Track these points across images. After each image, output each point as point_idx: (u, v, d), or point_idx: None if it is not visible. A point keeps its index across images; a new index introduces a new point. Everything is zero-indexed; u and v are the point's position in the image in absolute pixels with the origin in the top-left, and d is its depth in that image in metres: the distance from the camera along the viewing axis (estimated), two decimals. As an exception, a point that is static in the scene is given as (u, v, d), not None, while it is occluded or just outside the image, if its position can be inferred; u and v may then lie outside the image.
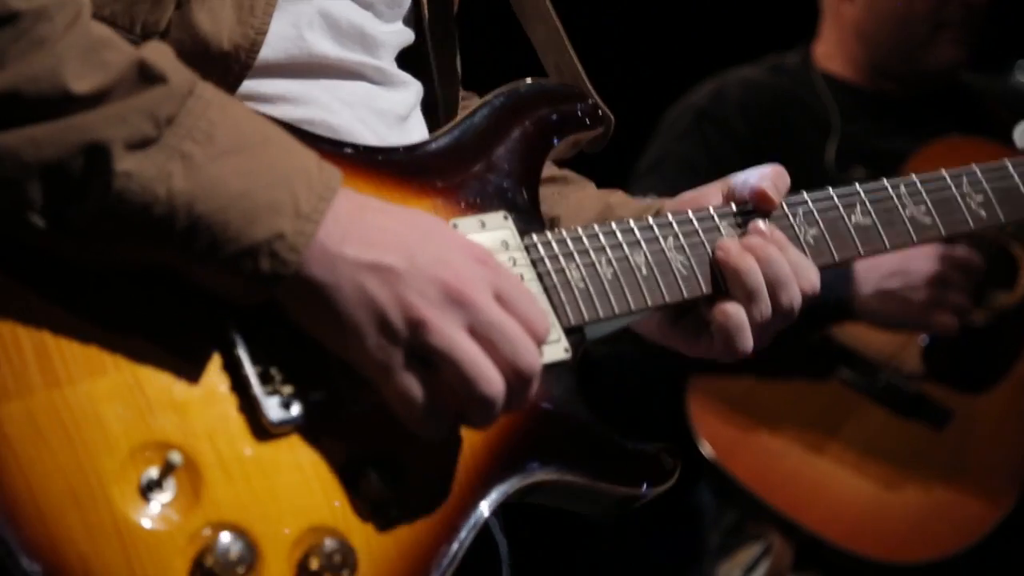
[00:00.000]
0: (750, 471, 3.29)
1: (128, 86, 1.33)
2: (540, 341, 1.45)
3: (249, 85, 1.54)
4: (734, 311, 1.68)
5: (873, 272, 3.21)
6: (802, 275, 1.71)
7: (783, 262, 1.69)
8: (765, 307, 1.68)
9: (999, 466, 3.27)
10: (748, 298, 1.68)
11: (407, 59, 1.73)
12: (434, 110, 1.77)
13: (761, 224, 1.72)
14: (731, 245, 1.69)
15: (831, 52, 3.71)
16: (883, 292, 3.23)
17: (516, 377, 1.43)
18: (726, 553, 3.43)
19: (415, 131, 1.72)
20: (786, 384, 3.33)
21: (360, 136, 1.62)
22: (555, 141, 1.70)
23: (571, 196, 1.87)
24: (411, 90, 1.73)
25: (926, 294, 3.20)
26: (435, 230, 1.45)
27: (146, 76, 1.34)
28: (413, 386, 1.40)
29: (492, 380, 1.41)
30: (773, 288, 1.68)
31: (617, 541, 4.45)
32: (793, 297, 1.69)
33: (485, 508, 1.50)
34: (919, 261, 3.22)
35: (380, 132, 1.65)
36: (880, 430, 3.28)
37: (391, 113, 1.68)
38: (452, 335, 1.40)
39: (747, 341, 1.68)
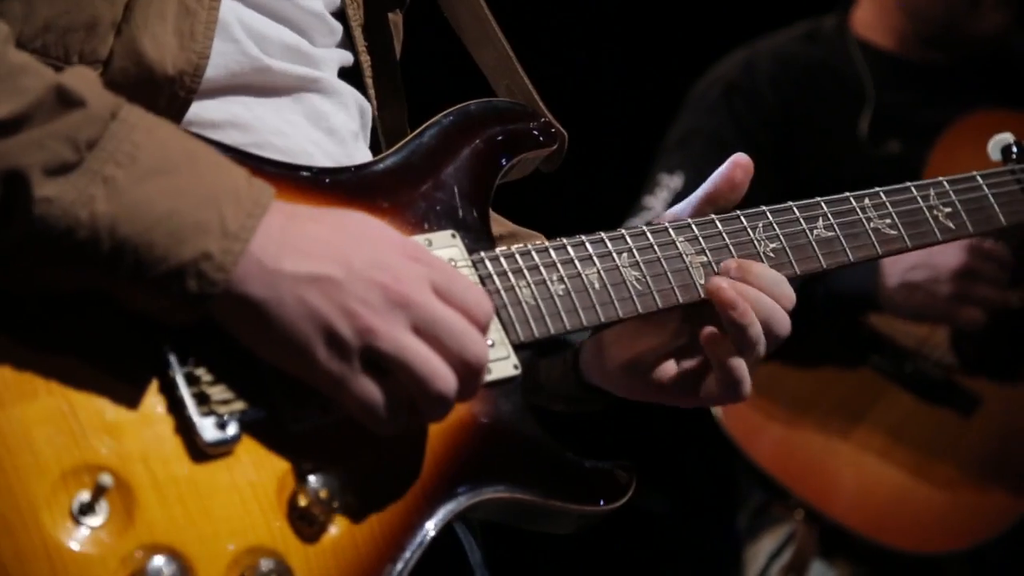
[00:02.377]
0: (773, 458, 3.25)
1: (46, 111, 1.33)
2: (483, 325, 1.46)
3: (197, 110, 1.54)
4: (738, 363, 1.67)
5: (898, 264, 3.14)
6: (781, 296, 1.69)
7: (765, 299, 1.68)
8: (760, 351, 1.68)
9: (1022, 456, 3.20)
10: (748, 347, 1.66)
11: (348, 79, 1.73)
12: (374, 132, 1.76)
13: (731, 262, 1.70)
14: (720, 287, 1.66)
15: (871, 21, 3.61)
16: (908, 284, 3.16)
17: (466, 368, 1.43)
18: (752, 536, 3.40)
19: (365, 151, 1.72)
20: (812, 369, 3.28)
21: (311, 157, 1.62)
22: (506, 160, 1.68)
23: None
24: (358, 105, 1.73)
25: (951, 287, 3.13)
26: (367, 232, 1.44)
27: (65, 101, 1.34)
28: (370, 392, 1.40)
29: (444, 376, 1.42)
30: (767, 326, 1.67)
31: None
32: (782, 326, 1.69)
33: (431, 527, 1.49)
34: (945, 254, 3.14)
35: (331, 151, 1.65)
36: (906, 417, 3.22)
37: (343, 129, 1.68)
38: (400, 338, 1.40)
39: (748, 387, 1.69)
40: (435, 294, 1.44)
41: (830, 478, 3.21)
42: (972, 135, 3.13)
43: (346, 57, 1.74)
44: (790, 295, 1.71)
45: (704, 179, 1.77)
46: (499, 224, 1.88)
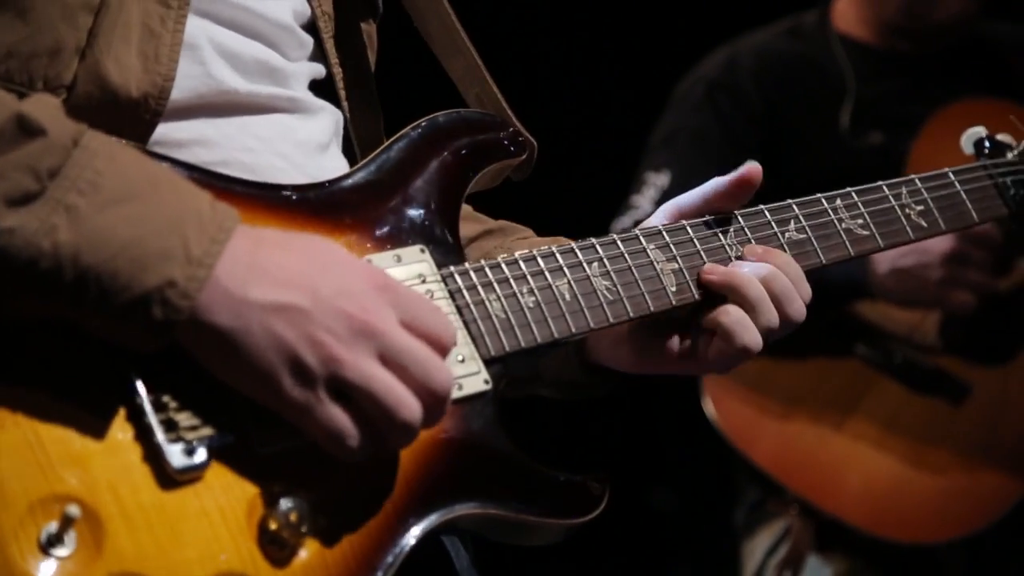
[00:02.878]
0: (767, 454, 3.25)
1: (7, 141, 1.33)
2: (447, 351, 1.46)
3: (163, 130, 1.54)
4: (734, 310, 1.69)
5: (889, 251, 3.14)
6: (801, 287, 1.73)
7: (783, 277, 1.71)
8: (771, 315, 1.70)
9: (1017, 440, 3.20)
10: (753, 308, 1.69)
11: (321, 91, 1.73)
12: (349, 144, 1.76)
13: (756, 246, 1.75)
14: (714, 267, 1.71)
15: (849, 14, 3.61)
16: (899, 271, 3.17)
17: (431, 397, 1.44)
18: (750, 532, 3.40)
19: (337, 159, 1.72)
20: (802, 363, 3.28)
21: (279, 173, 1.61)
22: (474, 171, 1.69)
23: (518, 245, 1.86)
24: (329, 117, 1.73)
25: (942, 272, 3.13)
26: (333, 259, 1.45)
27: (25, 130, 1.34)
28: (335, 421, 1.41)
29: (409, 406, 1.42)
30: (779, 303, 1.70)
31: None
32: (798, 309, 1.72)
33: (404, 545, 1.49)
34: (936, 239, 3.15)
35: (300, 164, 1.65)
36: (898, 408, 3.22)
37: (311, 143, 1.68)
38: (366, 368, 1.40)
39: (755, 337, 1.69)
40: (400, 322, 1.44)
41: (824, 472, 3.21)
42: (954, 125, 3.10)
43: (318, 70, 1.74)
44: (807, 291, 1.74)
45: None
46: (484, 222, 1.89)
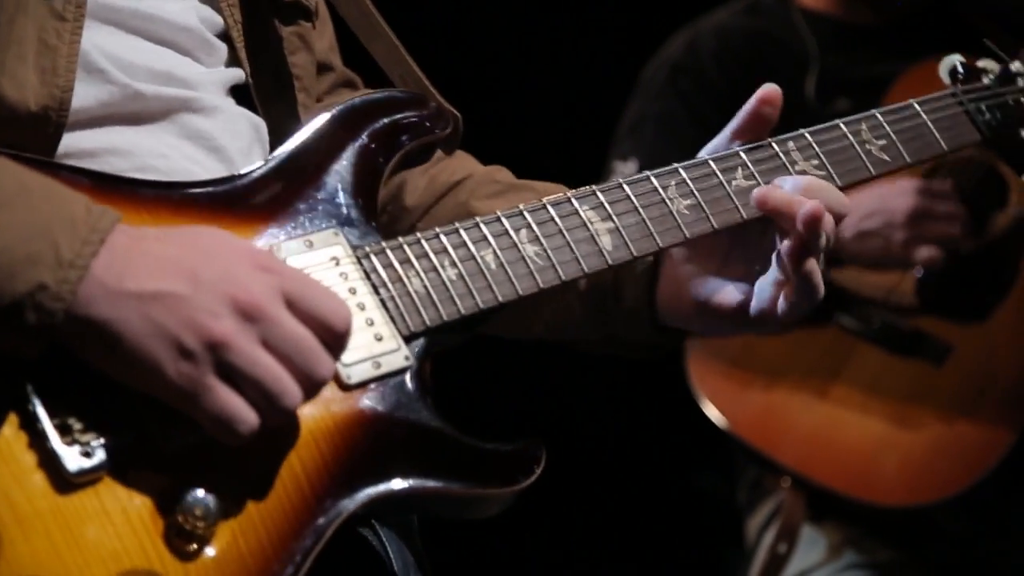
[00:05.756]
0: (754, 427, 3.23)
1: None
2: (341, 332, 1.46)
3: (71, 141, 1.55)
4: (812, 264, 1.69)
5: (853, 215, 3.11)
6: (832, 200, 1.72)
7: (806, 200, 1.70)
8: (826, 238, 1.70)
9: (1002, 393, 3.16)
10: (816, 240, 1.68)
11: (242, 96, 1.74)
12: (268, 151, 1.76)
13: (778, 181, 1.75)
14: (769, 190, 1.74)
15: None
16: (863, 233, 3.15)
17: (312, 386, 1.44)
18: (751, 510, 3.38)
19: (257, 163, 1.72)
20: (783, 335, 3.25)
21: (195, 176, 1.61)
22: (395, 150, 1.68)
23: (483, 207, 1.86)
24: (248, 122, 1.73)
25: (906, 231, 3.12)
26: (216, 246, 1.44)
27: None
28: (224, 404, 1.40)
29: (292, 394, 1.42)
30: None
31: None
32: (841, 202, 1.74)
33: (326, 528, 1.48)
34: (897, 198, 3.13)
35: (216, 169, 1.65)
36: (879, 372, 3.19)
37: (229, 148, 1.68)
38: (251, 352, 1.40)
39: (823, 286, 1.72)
40: (287, 304, 1.43)
41: (810, 442, 3.18)
42: (922, 84, 3.09)
43: (237, 75, 1.75)
44: (842, 200, 1.74)
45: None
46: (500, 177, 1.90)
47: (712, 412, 3.24)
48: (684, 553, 4.39)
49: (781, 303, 1.73)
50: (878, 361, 3.19)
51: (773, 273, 1.74)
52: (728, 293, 1.76)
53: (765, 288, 1.74)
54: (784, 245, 1.71)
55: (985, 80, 2.05)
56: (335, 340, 1.46)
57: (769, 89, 1.77)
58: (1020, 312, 3.20)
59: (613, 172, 3.51)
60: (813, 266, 1.71)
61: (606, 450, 4.43)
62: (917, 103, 1.93)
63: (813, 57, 3.47)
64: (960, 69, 2.06)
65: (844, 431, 3.18)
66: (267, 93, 1.78)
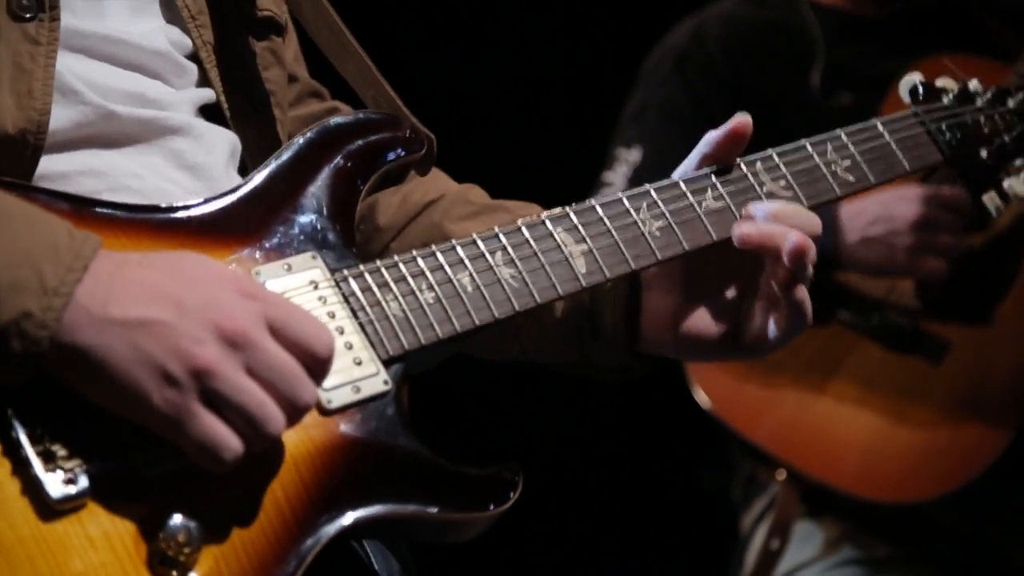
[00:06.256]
0: (749, 421, 3.23)
1: None
2: (324, 358, 1.46)
3: (47, 163, 1.56)
4: (800, 290, 1.73)
5: (857, 220, 3.11)
6: (806, 225, 1.74)
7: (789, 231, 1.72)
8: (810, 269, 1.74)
9: (1000, 391, 3.16)
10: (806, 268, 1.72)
11: (214, 115, 1.74)
12: (245, 168, 1.76)
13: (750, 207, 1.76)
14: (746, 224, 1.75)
15: None
16: (868, 240, 3.12)
17: (295, 412, 1.45)
18: (746, 505, 3.39)
19: (234, 183, 1.72)
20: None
21: (171, 196, 1.62)
22: (371, 171, 1.68)
23: (457, 229, 1.86)
24: (223, 141, 1.73)
25: (912, 239, 3.08)
26: (199, 272, 1.45)
27: None
28: (209, 431, 1.41)
29: (276, 420, 1.43)
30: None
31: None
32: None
33: (308, 552, 1.49)
34: (903, 205, 3.09)
35: (193, 188, 1.66)
36: (878, 369, 3.18)
37: (205, 167, 1.69)
38: (236, 379, 1.41)
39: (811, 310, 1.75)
40: (270, 331, 1.44)
41: (807, 437, 3.19)
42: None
43: (208, 95, 1.75)
44: (815, 221, 1.75)
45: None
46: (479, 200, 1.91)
47: (702, 398, 3.25)
48: (684, 553, 4.40)
49: (772, 329, 1.75)
50: (876, 359, 3.19)
51: (762, 301, 1.75)
52: (710, 320, 1.78)
53: (755, 315, 1.76)
54: (773, 276, 1.74)
55: (944, 100, 2.06)
56: (318, 366, 1.47)
57: (742, 119, 1.77)
58: (1019, 311, 3.20)
59: (616, 159, 3.50)
60: (804, 294, 1.73)
61: (606, 449, 4.45)
62: (881, 123, 1.94)
63: (819, 49, 3.45)
64: (920, 88, 2.06)
65: (841, 427, 3.18)
66: (240, 111, 1.78)
